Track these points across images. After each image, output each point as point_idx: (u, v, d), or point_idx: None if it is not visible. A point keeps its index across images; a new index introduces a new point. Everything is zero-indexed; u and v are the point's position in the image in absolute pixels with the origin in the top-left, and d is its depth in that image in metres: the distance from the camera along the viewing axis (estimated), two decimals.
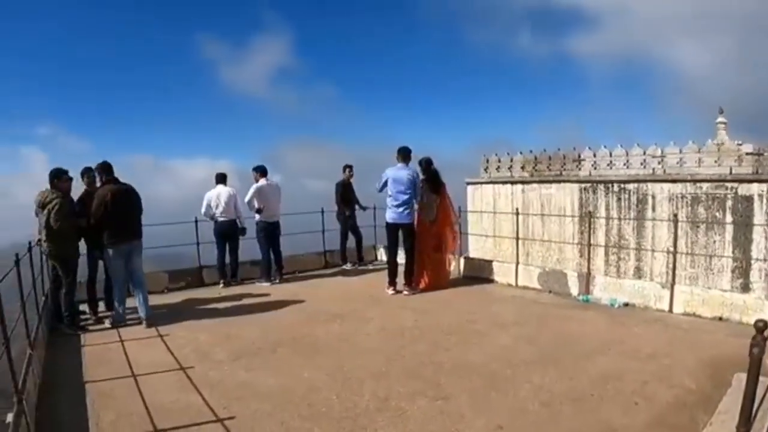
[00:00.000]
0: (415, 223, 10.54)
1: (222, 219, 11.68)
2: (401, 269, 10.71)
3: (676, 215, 12.27)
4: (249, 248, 12.30)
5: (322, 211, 13.58)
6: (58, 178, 8.77)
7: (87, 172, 9.51)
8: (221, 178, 11.98)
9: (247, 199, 11.59)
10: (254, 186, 11.65)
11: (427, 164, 10.63)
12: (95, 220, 8.85)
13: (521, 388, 5.63)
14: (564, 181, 17.45)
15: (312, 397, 5.60)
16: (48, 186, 8.76)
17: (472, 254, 14.31)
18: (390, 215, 10.54)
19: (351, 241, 13.63)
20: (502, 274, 11.06)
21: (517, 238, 11.83)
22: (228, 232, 11.78)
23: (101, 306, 9.79)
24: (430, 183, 10.55)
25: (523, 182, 18.50)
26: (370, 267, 13.44)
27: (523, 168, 18.86)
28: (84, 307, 9.63)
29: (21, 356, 5.57)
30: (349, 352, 7.08)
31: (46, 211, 8.49)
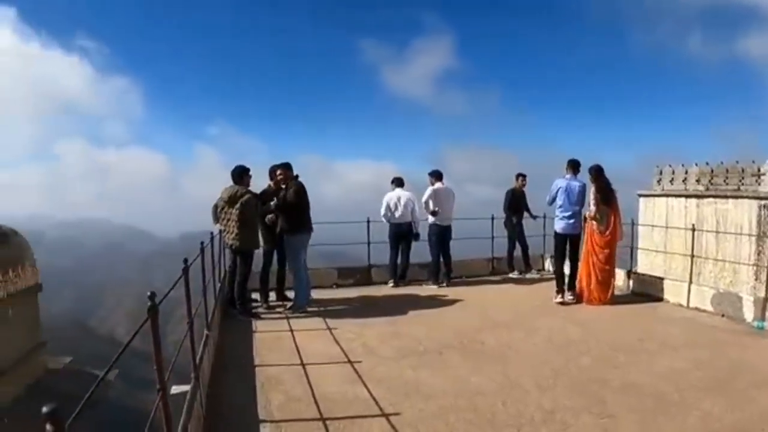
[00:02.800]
0: (586, 234, 10.38)
1: (398, 221, 11.94)
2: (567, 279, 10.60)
3: None
4: (418, 251, 12.46)
5: (492, 218, 13.56)
6: (246, 174, 9.39)
7: (279, 169, 10.03)
8: (399, 182, 12.28)
9: (423, 199, 11.80)
10: (430, 188, 11.84)
11: (597, 173, 10.29)
12: (295, 208, 9.43)
13: (689, 414, 5.40)
14: (742, 197, 16.37)
15: (477, 402, 5.63)
16: (231, 182, 9.40)
17: (641, 270, 13.83)
18: (560, 225, 10.46)
19: (518, 249, 13.54)
20: (672, 292, 10.55)
21: (692, 256, 11.35)
22: (403, 234, 12.04)
23: (272, 295, 10.42)
24: (600, 193, 10.28)
25: (697, 196, 17.64)
26: (537, 276, 13.24)
27: (698, 181, 17.95)
28: (256, 295, 10.22)
29: (198, 336, 5.93)
30: (516, 360, 7.05)
31: (238, 206, 9.08)
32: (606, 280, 10.25)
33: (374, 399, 5.67)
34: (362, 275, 12.50)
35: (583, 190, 10.33)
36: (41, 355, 11.21)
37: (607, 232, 10.19)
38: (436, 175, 12.07)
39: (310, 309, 9.81)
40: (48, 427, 1.90)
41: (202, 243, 6.94)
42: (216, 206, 9.57)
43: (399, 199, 11.95)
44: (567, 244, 10.56)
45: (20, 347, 10.28)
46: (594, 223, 10.19)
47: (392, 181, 12.35)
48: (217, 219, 9.56)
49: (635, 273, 11.76)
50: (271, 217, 9.74)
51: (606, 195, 10.22)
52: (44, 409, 1.93)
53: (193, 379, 5.03)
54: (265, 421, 5.32)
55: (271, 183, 10.15)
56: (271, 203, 9.79)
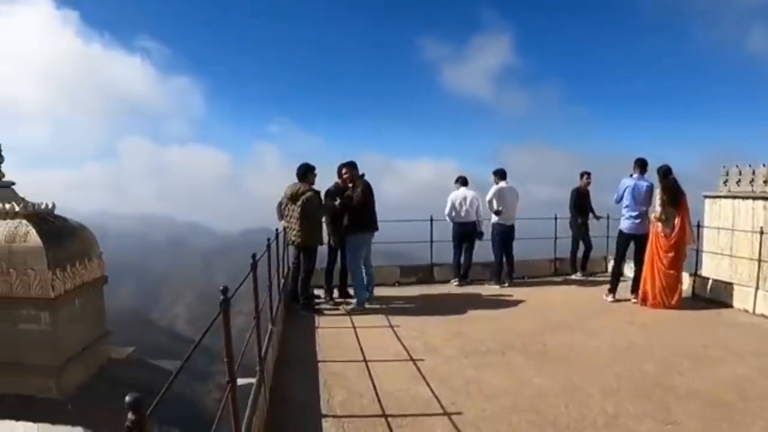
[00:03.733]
0: (651, 235, 10.25)
1: (462, 220, 11.98)
2: (622, 280, 10.62)
3: None
4: (480, 250, 12.45)
5: (555, 218, 13.46)
6: (311, 172, 9.56)
7: (351, 167, 10.16)
8: (463, 181, 12.31)
9: (487, 198, 11.81)
10: (494, 187, 11.83)
11: (665, 174, 10.08)
12: (361, 207, 9.62)
13: (754, 423, 5.30)
14: None
15: (540, 404, 5.64)
16: (296, 180, 9.58)
17: (706, 273, 13.54)
18: (625, 225, 10.35)
19: (580, 250, 13.42)
20: (738, 298, 10.27)
21: (759, 260, 11.08)
22: (467, 234, 12.07)
23: (335, 293, 10.59)
24: (668, 194, 10.09)
25: (765, 198, 17.18)
26: (599, 278, 13.04)
27: (765, 182, 17.50)
28: (319, 292, 10.36)
29: (261, 331, 6.05)
30: (579, 363, 7.03)
31: (299, 203, 9.26)
32: (671, 284, 10.07)
33: (436, 397, 5.72)
34: (424, 274, 12.57)
35: (650, 190, 10.18)
36: (106, 345, 11.50)
37: (673, 235, 10.01)
38: (500, 174, 12.04)
39: (372, 306, 9.93)
40: (130, 415, 2.01)
41: (268, 239, 7.06)
42: (280, 203, 9.76)
43: (464, 198, 11.97)
44: (631, 245, 10.45)
45: (86, 336, 10.59)
46: (659, 224, 10.03)
47: (456, 180, 12.38)
48: (281, 216, 9.73)
49: (700, 276, 11.55)
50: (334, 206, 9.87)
51: (673, 196, 10.04)
52: (127, 399, 2.03)
53: (258, 372, 5.15)
54: (327, 416, 5.40)
55: (339, 181, 10.29)
56: (336, 201, 9.92)
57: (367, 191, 9.86)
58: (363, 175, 10.11)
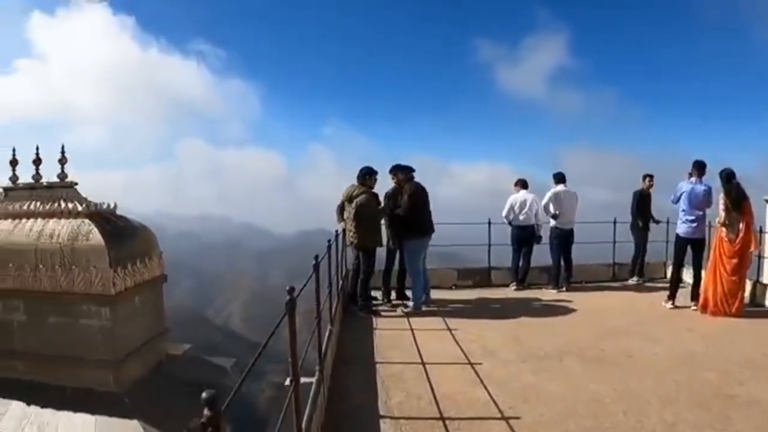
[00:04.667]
0: (715, 240, 10.03)
1: (521, 224, 11.93)
2: (681, 287, 10.43)
3: None
4: (538, 254, 12.35)
5: (615, 222, 13.29)
6: (370, 175, 9.66)
7: (396, 170, 10.18)
8: (523, 184, 12.26)
9: (543, 202, 11.76)
10: (551, 191, 11.79)
11: (728, 177, 9.80)
12: (409, 212, 9.61)
13: None
14: None
15: (597, 411, 5.58)
16: (356, 182, 9.66)
17: (767, 280, 13.19)
18: (682, 229, 10.15)
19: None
20: None
21: None
22: (525, 237, 12.02)
23: (392, 294, 10.63)
24: (731, 198, 9.83)
25: None
26: (658, 284, 12.79)
27: None
28: (377, 293, 10.40)
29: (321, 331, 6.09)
30: (637, 370, 6.91)
31: (354, 204, 9.34)
32: (733, 291, 9.84)
33: (494, 401, 5.72)
34: (482, 277, 12.55)
35: (707, 193, 9.99)
36: (164, 342, 11.69)
37: (737, 240, 9.78)
38: (558, 178, 11.99)
39: (429, 309, 9.98)
40: (206, 411, 2.13)
41: (329, 241, 7.12)
42: (340, 204, 9.88)
43: (524, 201, 11.92)
44: (688, 249, 10.25)
45: (145, 333, 10.79)
46: (723, 230, 9.81)
47: (516, 183, 12.34)
48: (341, 217, 9.81)
49: (761, 284, 11.28)
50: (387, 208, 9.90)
51: (737, 201, 9.80)
52: (203, 396, 2.14)
53: (318, 372, 5.20)
54: (385, 417, 5.45)
55: (396, 184, 10.31)
56: (387, 205, 9.97)
57: (416, 196, 9.89)
58: (412, 177, 10.12)
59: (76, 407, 9.42)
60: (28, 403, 9.64)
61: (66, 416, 9.30)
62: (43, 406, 9.51)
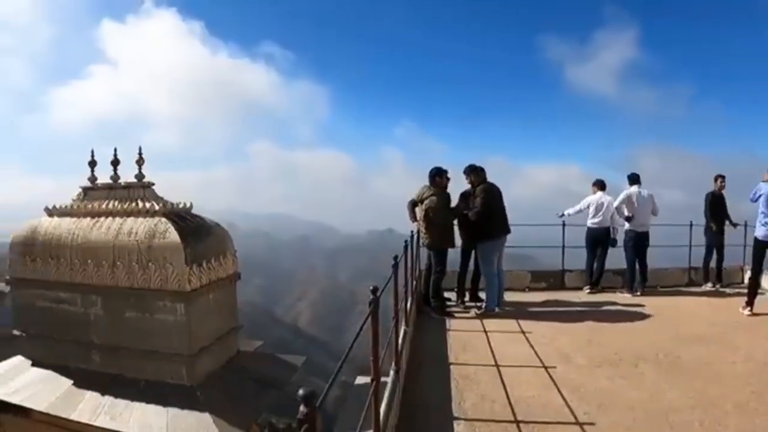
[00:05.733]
0: None
1: (596, 226, 11.75)
2: (760, 293, 10.13)
3: None
4: (612, 257, 12.10)
5: (691, 225, 12.89)
6: (439, 176, 9.69)
7: (470, 171, 10.15)
8: (601, 185, 12.04)
9: (615, 204, 11.57)
10: (624, 192, 11.57)
11: None
12: (481, 214, 9.56)
13: None
14: None
15: (673, 419, 5.45)
16: (427, 182, 9.68)
17: None
18: (761, 232, 9.79)
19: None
20: None
21: None
22: (600, 239, 11.81)
23: (466, 296, 10.60)
24: None
25: None
26: (736, 290, 12.31)
27: None
28: (450, 294, 10.36)
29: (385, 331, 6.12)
30: (714, 378, 6.71)
31: (423, 205, 9.36)
32: None
33: (568, 406, 5.66)
34: (555, 279, 12.42)
35: None
36: (236, 338, 11.86)
37: None
38: (633, 179, 11.72)
39: (503, 311, 9.91)
40: (302, 408, 2.19)
41: (405, 241, 7.13)
42: (412, 204, 9.91)
43: (601, 203, 11.73)
44: (766, 252, 9.92)
45: (218, 329, 10.93)
46: None
47: (594, 183, 12.14)
48: (413, 218, 9.84)
49: None
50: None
51: None
52: (300, 392, 2.22)
53: (393, 372, 5.22)
54: (459, 418, 5.44)
55: (470, 184, 10.29)
56: (458, 205, 9.96)
57: (489, 196, 9.81)
58: (485, 178, 10.06)
59: (149, 399, 9.61)
60: (103, 393, 9.89)
61: (139, 407, 9.51)
62: (116, 397, 9.75)
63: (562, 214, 12.02)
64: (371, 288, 4.04)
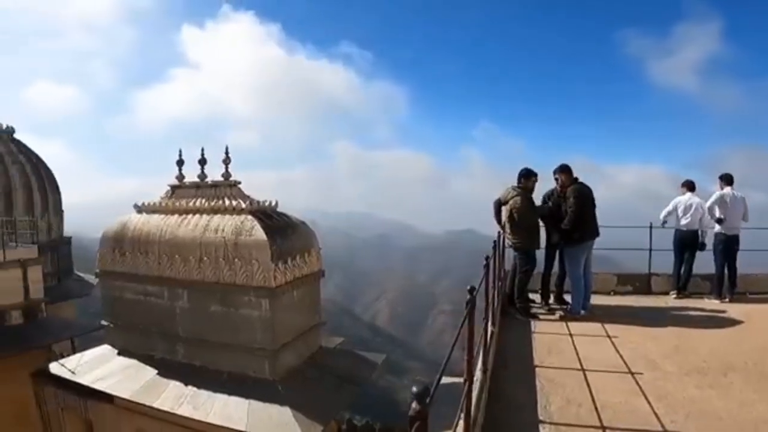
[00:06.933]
0: None
1: (684, 228, 11.38)
2: None
3: None
4: (700, 261, 11.71)
5: None
6: (526, 177, 9.65)
7: (560, 171, 10.02)
8: (690, 186, 11.64)
9: (707, 204, 11.16)
10: (716, 193, 11.14)
11: None
12: (577, 216, 9.48)
13: None
14: None
15: (763, 430, 5.30)
16: (513, 183, 9.65)
17: None
18: None
19: None
20: None
21: None
22: (688, 242, 11.41)
23: (551, 298, 10.47)
24: None
25: None
26: None
27: None
28: (535, 296, 10.25)
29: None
30: None
31: (508, 206, 9.32)
32: None
33: (655, 414, 5.55)
34: (641, 283, 12.04)
35: None
36: (318, 334, 12.02)
37: None
38: (726, 179, 11.28)
39: (588, 314, 9.74)
40: (414, 405, 2.30)
41: (494, 242, 7.12)
42: (497, 204, 9.90)
43: (689, 204, 11.36)
44: None
45: (302, 325, 11.12)
46: None
47: (683, 184, 11.77)
48: (499, 218, 9.81)
49: None
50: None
51: None
52: (414, 390, 2.33)
53: (481, 372, 5.21)
54: (544, 422, 5.42)
55: (557, 186, 10.19)
56: (547, 206, 9.87)
57: (582, 199, 9.66)
58: (576, 179, 9.92)
59: (231, 391, 9.87)
60: (186, 384, 10.20)
61: (221, 398, 9.77)
62: (199, 387, 10.05)
63: (665, 222, 11.65)
64: (468, 288, 4.07)
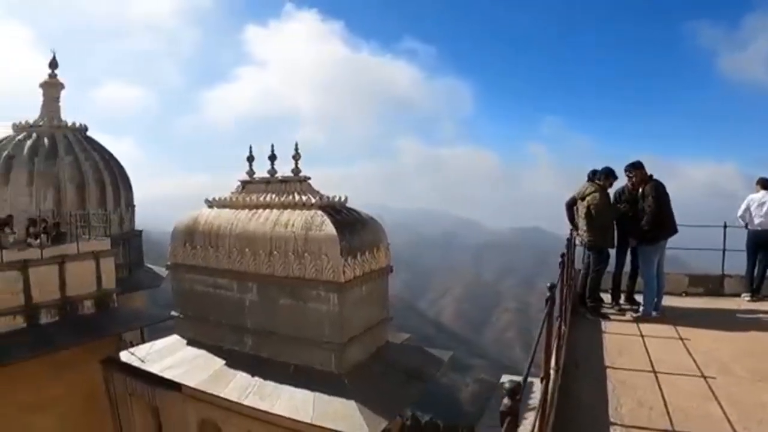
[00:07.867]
0: None
1: (758, 228, 10.87)
2: None
3: None
4: None
5: None
6: (606, 177, 9.56)
7: (634, 168, 9.85)
8: (764, 184, 11.11)
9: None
10: None
11: None
12: (657, 215, 9.37)
13: None
14: None
15: None
16: (587, 180, 9.57)
17: None
18: None
19: None
20: None
21: None
22: (762, 242, 10.83)
23: (621, 298, 10.34)
24: None
25: None
26: None
27: None
28: (605, 296, 10.12)
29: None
30: None
31: (584, 203, 9.22)
32: None
33: (728, 420, 5.44)
34: (714, 284, 11.68)
35: None
36: (385, 329, 12.10)
37: None
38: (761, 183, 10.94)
39: (659, 316, 9.51)
40: (506, 401, 2.37)
41: (567, 240, 7.07)
42: (570, 203, 9.89)
43: (764, 202, 10.81)
44: None
45: (369, 320, 11.23)
46: None
47: (757, 182, 11.23)
48: (571, 216, 9.73)
49: None
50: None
51: None
52: (506, 386, 2.41)
53: (553, 372, 5.19)
54: (615, 423, 5.39)
55: (629, 184, 10.04)
56: (621, 205, 9.74)
57: (659, 196, 9.48)
58: (651, 176, 9.74)
59: (297, 383, 10.03)
60: (253, 375, 10.42)
61: (287, 390, 9.94)
62: (266, 379, 10.25)
63: (746, 225, 11.21)
64: (548, 285, 4.07)
